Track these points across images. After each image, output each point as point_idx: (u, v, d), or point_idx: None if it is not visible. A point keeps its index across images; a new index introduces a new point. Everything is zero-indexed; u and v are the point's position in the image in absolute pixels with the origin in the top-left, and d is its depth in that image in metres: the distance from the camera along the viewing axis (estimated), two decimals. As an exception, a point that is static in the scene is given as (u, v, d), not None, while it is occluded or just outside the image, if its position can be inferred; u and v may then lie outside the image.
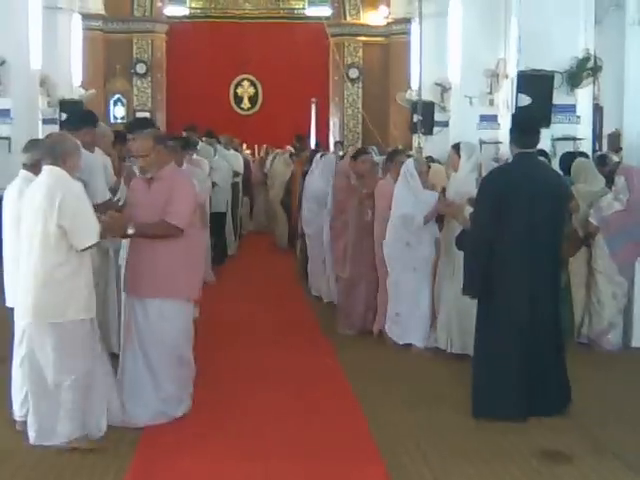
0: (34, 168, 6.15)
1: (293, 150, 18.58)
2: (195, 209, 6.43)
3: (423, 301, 8.77)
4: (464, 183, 8.38)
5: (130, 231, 6.13)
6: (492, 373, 6.66)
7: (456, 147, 8.80)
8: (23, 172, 6.41)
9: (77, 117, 8.21)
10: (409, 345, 8.79)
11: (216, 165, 13.54)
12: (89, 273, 5.87)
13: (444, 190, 8.91)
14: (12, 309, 6.13)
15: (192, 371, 6.61)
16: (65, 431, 5.75)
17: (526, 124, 7.17)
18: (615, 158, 12.57)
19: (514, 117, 7.19)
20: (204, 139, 14.47)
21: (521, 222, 6.56)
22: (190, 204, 6.29)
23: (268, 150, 21.77)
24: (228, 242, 15.11)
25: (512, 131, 7.00)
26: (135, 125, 6.68)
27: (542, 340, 6.66)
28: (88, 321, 5.84)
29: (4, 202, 6.35)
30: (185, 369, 6.51)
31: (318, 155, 12.52)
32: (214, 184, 12.77)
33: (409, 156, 10.27)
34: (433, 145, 17.13)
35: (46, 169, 5.74)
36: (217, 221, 13.19)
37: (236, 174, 15.96)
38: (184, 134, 12.63)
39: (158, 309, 6.26)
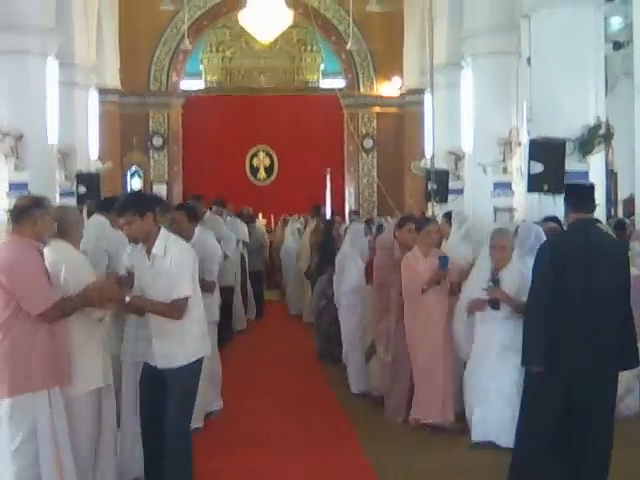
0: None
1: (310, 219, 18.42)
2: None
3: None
4: (456, 251, 8.43)
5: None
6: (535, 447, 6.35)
7: (448, 216, 8.84)
8: None
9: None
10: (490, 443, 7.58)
11: (226, 236, 12.64)
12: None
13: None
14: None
15: None
16: None
17: (581, 189, 7.01)
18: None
19: (569, 186, 7.13)
20: (212, 208, 13.72)
21: (580, 288, 6.21)
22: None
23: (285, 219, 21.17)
24: (238, 317, 14.73)
25: (567, 198, 6.77)
26: None
27: (593, 421, 6.24)
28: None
29: None
30: None
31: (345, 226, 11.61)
32: (225, 256, 11.42)
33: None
34: (448, 213, 17.11)
35: (50, 244, 5.70)
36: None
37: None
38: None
39: None
